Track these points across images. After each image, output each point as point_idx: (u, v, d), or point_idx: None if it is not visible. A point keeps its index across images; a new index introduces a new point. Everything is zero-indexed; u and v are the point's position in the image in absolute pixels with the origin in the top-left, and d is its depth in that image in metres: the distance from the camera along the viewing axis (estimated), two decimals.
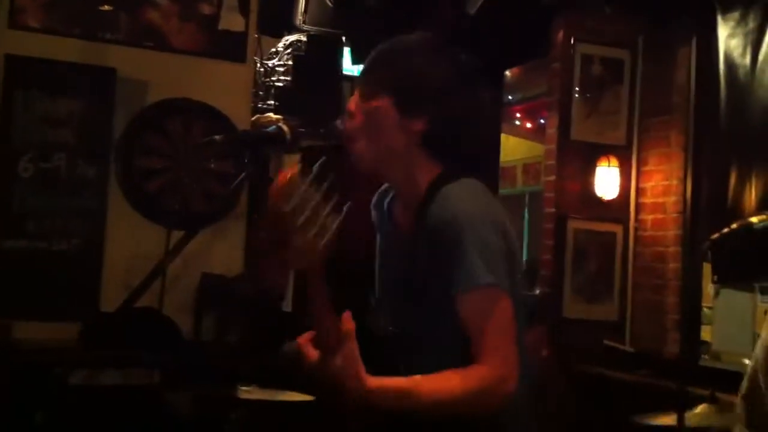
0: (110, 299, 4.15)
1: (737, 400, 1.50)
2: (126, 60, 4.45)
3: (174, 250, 3.81)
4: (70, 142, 4.34)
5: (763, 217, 1.74)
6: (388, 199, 1.93)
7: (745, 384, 1.49)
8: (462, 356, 1.66)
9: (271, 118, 4.80)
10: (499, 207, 1.78)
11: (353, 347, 1.54)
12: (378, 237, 1.96)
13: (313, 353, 1.59)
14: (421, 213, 1.74)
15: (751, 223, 1.69)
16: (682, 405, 1.99)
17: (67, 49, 4.36)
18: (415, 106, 1.78)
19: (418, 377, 1.62)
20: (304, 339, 1.62)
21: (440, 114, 1.78)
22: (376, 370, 1.60)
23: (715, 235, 1.62)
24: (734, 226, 1.74)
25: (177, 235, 4.17)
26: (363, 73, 1.86)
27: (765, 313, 4.05)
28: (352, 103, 1.83)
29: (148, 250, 4.21)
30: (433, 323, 1.72)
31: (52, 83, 4.32)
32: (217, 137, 4.22)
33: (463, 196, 1.71)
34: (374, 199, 1.99)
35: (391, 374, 1.65)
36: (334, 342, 1.54)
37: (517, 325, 1.69)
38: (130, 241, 4.33)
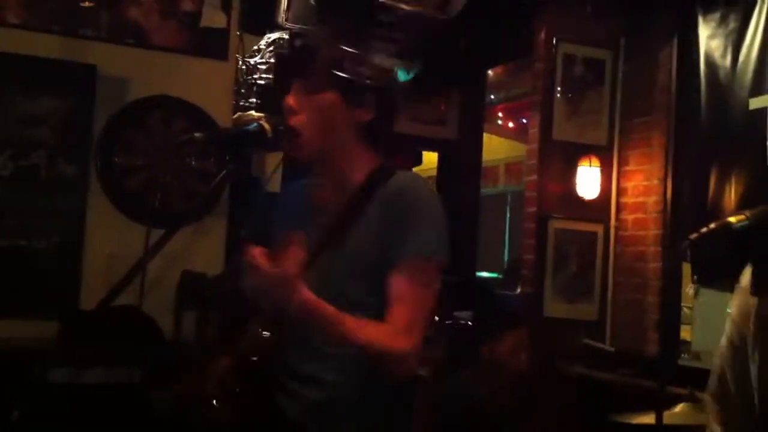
0: (90, 297, 4.14)
1: (707, 398, 1.51)
2: (107, 57, 4.43)
3: (154, 249, 3.78)
4: (50, 139, 4.32)
5: (741, 217, 1.75)
6: (297, 187, 2.04)
7: (714, 382, 1.50)
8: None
9: (253, 116, 4.78)
10: None
11: (301, 260, 1.65)
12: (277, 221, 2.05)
13: (264, 261, 1.65)
14: (368, 192, 1.83)
15: (730, 223, 1.70)
16: (661, 404, 2.00)
17: (47, 46, 4.33)
18: (360, 97, 1.84)
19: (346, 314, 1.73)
20: (257, 252, 1.67)
21: (380, 103, 1.87)
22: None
23: (694, 235, 1.62)
24: (712, 226, 1.75)
25: (157, 233, 4.15)
26: (297, 67, 1.87)
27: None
28: (292, 99, 1.83)
29: (128, 248, 4.19)
30: (361, 294, 1.80)
31: (31, 80, 4.30)
32: (197, 135, 4.21)
33: (421, 182, 1.86)
34: (285, 189, 2.13)
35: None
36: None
37: None
38: (110, 239, 4.31)
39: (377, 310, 1.78)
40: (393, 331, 1.73)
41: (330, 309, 1.71)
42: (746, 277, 1.51)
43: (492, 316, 3.36)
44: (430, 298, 1.78)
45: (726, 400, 1.48)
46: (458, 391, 3.11)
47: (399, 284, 1.75)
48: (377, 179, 1.84)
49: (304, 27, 5.21)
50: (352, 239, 1.81)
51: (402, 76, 5.59)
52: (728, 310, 1.58)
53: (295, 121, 1.84)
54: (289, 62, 1.94)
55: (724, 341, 1.52)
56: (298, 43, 1.98)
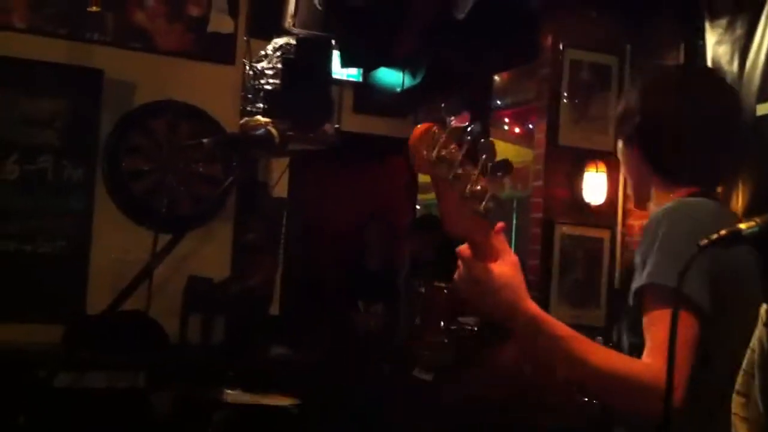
0: (96, 302, 4.13)
1: (734, 395, 1.50)
2: (113, 61, 4.43)
3: (161, 253, 3.78)
4: (57, 143, 4.32)
5: (752, 223, 1.73)
6: None
7: (740, 379, 1.49)
8: None
9: (260, 121, 4.78)
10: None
11: (515, 261, 1.47)
12: None
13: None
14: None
15: (740, 230, 1.68)
16: (667, 410, 1.99)
17: (54, 50, 4.34)
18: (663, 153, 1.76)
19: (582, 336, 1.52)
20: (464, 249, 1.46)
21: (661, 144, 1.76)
22: None
23: (704, 242, 1.61)
24: (723, 232, 1.73)
25: (164, 237, 4.15)
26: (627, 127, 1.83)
27: None
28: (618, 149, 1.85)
29: (134, 252, 4.19)
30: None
31: (38, 84, 4.30)
32: (205, 140, 4.22)
33: (680, 209, 1.67)
34: None
35: None
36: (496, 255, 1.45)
37: (711, 357, 1.56)
38: (116, 243, 4.31)
39: None
40: (647, 365, 1.49)
41: (565, 328, 1.49)
42: None
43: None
44: (663, 330, 1.46)
45: (751, 397, 1.47)
46: (467, 393, 3.10)
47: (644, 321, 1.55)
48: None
49: (311, 32, 5.23)
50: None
51: (408, 81, 5.59)
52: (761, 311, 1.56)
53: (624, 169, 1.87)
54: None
55: (755, 342, 1.51)
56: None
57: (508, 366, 3.23)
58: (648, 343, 1.51)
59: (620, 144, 1.85)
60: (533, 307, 1.48)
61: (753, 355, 1.47)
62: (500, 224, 1.46)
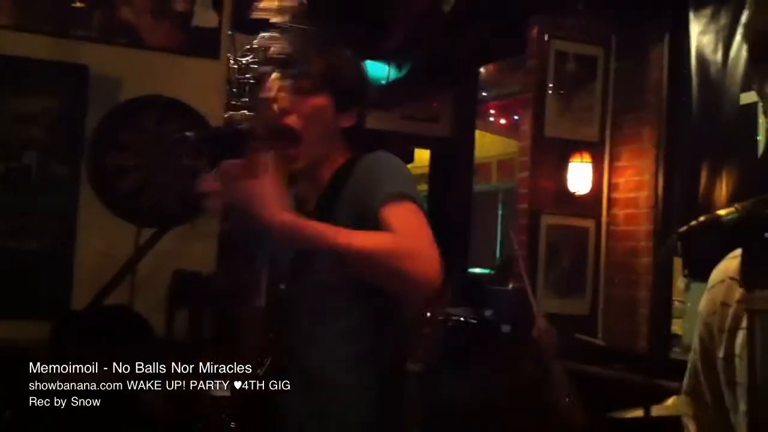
0: (82, 298, 4.13)
1: (682, 395, 1.52)
2: (99, 57, 4.42)
3: (144, 248, 3.80)
4: (42, 140, 4.31)
5: (731, 210, 1.75)
6: None
7: (687, 380, 1.50)
8: (362, 317, 1.81)
9: (246, 115, 4.77)
10: None
11: (265, 178, 1.72)
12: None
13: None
14: (342, 174, 1.88)
15: (719, 216, 1.70)
16: (649, 399, 2.01)
17: (39, 46, 4.32)
18: (350, 103, 1.90)
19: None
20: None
21: (363, 107, 1.94)
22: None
23: (683, 229, 1.63)
24: (702, 219, 1.75)
25: (148, 233, 4.16)
26: (292, 68, 1.89)
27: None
28: (286, 100, 1.85)
29: (120, 248, 4.19)
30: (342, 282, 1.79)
31: (23, 81, 4.29)
32: (189, 134, 4.20)
33: (382, 153, 1.88)
34: None
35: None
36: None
37: None
38: (101, 239, 4.30)
39: (358, 299, 1.82)
40: (399, 236, 1.71)
41: (320, 224, 1.73)
42: (716, 276, 1.51)
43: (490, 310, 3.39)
44: (423, 224, 1.74)
45: (698, 396, 1.48)
46: (461, 386, 3.12)
47: (385, 223, 1.72)
48: (344, 170, 1.87)
49: (296, 26, 5.21)
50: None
51: (394, 73, 5.60)
52: (699, 309, 1.57)
53: (291, 121, 1.85)
54: (287, 62, 1.94)
55: (696, 340, 1.52)
56: (296, 43, 1.99)
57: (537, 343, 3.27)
58: (395, 228, 1.69)
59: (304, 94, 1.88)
60: (283, 214, 1.72)
61: (695, 356, 1.48)
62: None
